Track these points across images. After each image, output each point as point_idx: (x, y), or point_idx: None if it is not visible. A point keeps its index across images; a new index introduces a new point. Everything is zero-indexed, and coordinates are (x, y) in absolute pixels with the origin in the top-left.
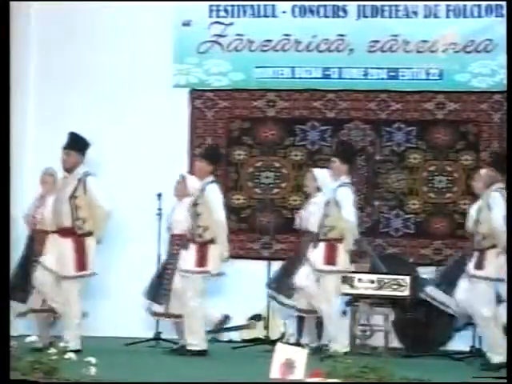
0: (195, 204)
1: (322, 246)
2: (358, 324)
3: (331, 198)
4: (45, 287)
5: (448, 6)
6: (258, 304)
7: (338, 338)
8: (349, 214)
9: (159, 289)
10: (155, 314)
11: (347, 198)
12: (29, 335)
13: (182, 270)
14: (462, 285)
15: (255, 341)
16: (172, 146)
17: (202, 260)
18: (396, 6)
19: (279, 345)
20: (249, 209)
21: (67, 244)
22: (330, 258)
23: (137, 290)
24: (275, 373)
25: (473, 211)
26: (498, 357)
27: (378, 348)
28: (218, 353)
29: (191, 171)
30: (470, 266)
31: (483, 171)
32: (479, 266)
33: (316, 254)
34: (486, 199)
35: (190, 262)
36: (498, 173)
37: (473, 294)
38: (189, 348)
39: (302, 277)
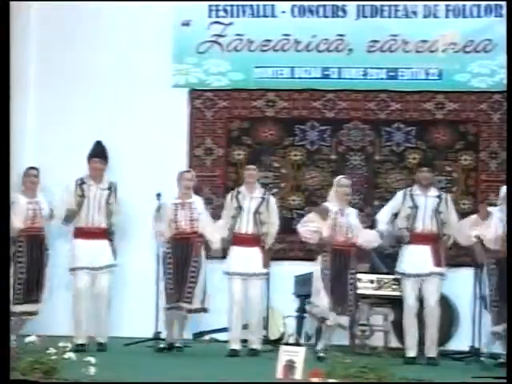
0: (108, 203)
1: (256, 251)
2: (358, 324)
3: (260, 205)
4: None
5: (447, 6)
6: None
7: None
8: (277, 219)
9: (33, 287)
10: (31, 313)
11: (275, 205)
12: (29, 335)
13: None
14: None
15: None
16: (171, 145)
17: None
18: (395, 6)
19: (282, 347)
20: None
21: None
22: (267, 262)
23: (136, 290)
24: (279, 374)
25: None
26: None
27: (377, 348)
28: (217, 353)
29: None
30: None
31: (426, 170)
32: (438, 263)
33: (254, 259)
34: (443, 200)
35: (105, 256)
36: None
37: (430, 290)
38: None
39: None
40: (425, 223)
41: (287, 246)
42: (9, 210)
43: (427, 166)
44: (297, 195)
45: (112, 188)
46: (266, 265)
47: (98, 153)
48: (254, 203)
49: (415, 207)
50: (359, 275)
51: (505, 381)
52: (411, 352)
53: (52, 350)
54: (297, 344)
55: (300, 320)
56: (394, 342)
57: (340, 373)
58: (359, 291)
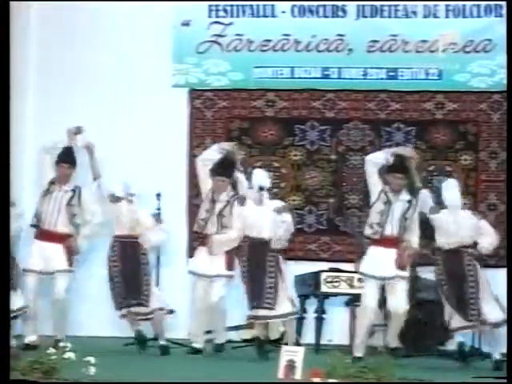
0: (69, 204)
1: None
2: None
3: (224, 208)
4: None
5: (447, 5)
6: None
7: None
8: (237, 224)
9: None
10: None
11: (236, 210)
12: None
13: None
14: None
15: (255, 341)
16: (171, 145)
17: None
18: (395, 5)
19: (283, 347)
20: None
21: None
22: (231, 264)
23: None
24: (280, 374)
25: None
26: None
27: (377, 348)
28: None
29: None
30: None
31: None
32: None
33: (216, 260)
34: (412, 206)
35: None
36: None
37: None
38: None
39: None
40: (392, 226)
41: (287, 246)
42: (9, 210)
43: (400, 172)
44: (297, 195)
45: (76, 191)
46: (229, 267)
47: (66, 158)
48: (219, 206)
49: (389, 203)
50: (358, 275)
51: (505, 381)
52: (358, 352)
53: (52, 350)
54: (297, 344)
55: (300, 320)
56: (394, 342)
57: (340, 373)
58: (357, 291)
